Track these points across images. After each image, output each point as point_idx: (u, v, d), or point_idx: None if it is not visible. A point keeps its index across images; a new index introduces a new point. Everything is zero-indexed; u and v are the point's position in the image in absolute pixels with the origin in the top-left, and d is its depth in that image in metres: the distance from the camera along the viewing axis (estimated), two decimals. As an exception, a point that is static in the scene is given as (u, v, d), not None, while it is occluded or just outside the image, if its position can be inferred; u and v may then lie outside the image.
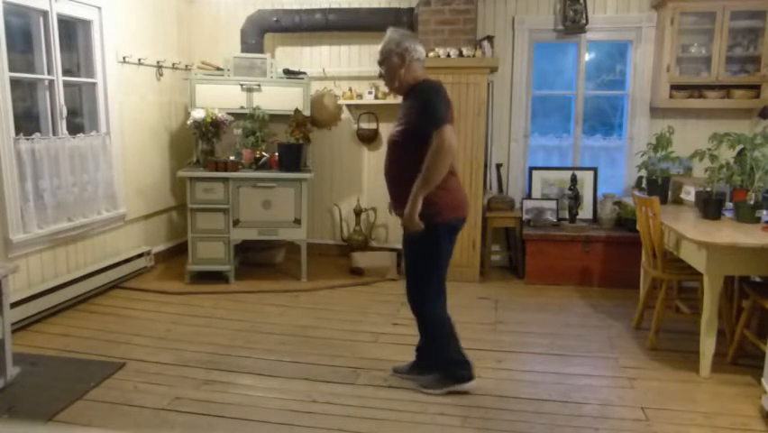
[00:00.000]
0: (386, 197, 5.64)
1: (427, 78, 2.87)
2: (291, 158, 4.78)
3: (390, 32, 2.89)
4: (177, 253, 5.45)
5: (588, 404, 2.94)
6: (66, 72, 4.17)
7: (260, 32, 5.30)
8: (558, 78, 5.50)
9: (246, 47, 5.24)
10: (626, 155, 5.23)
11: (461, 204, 2.90)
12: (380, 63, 2.90)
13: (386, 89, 5.29)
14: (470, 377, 3.02)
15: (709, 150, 3.69)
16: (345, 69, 5.50)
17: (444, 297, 3.01)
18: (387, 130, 5.51)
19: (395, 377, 3.18)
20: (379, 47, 2.90)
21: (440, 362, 3.05)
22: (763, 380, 2.86)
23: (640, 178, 4.72)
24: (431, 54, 4.65)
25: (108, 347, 3.51)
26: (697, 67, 4.87)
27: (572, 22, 5.00)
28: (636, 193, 3.97)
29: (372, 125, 5.51)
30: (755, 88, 4.72)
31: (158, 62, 5.10)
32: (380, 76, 2.97)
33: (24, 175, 3.74)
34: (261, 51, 5.28)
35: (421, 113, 2.72)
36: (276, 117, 5.01)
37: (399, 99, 5.15)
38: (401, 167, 2.83)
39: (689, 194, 4.08)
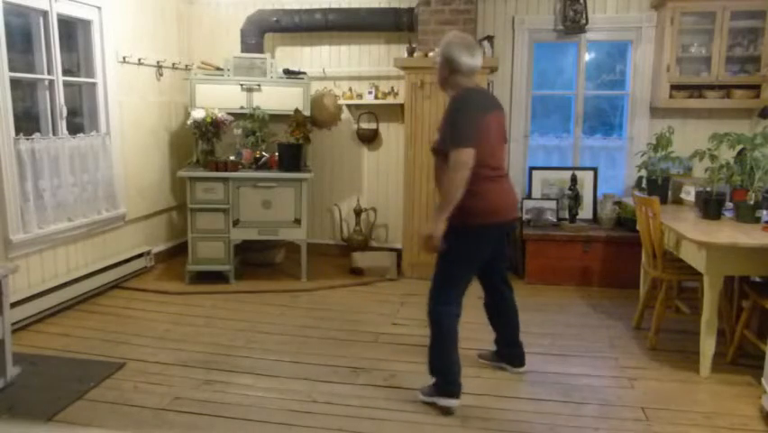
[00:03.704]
0: (387, 196, 5.70)
1: (465, 89, 2.82)
2: (291, 158, 4.78)
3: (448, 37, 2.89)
4: (177, 253, 5.45)
5: (588, 404, 2.94)
6: (66, 72, 4.17)
7: (260, 32, 5.29)
8: (558, 78, 5.49)
9: (246, 47, 5.24)
10: (626, 155, 5.23)
11: (493, 209, 2.82)
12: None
13: (386, 89, 5.37)
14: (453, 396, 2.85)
15: (709, 150, 3.69)
16: (345, 69, 5.49)
17: (457, 307, 2.89)
18: (387, 130, 5.52)
19: (481, 362, 3.38)
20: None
21: (433, 367, 2.90)
22: (763, 380, 2.86)
23: (640, 178, 4.72)
24: (431, 54, 4.65)
25: (108, 347, 3.51)
26: (697, 67, 4.86)
27: (572, 22, 5.00)
28: (636, 193, 3.97)
29: (372, 125, 5.51)
30: (755, 88, 4.72)
31: (158, 62, 5.10)
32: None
33: (24, 175, 3.74)
34: (261, 51, 5.28)
35: (447, 128, 2.74)
36: (276, 117, 5.00)
37: (399, 100, 5.25)
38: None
39: (689, 194, 4.08)
